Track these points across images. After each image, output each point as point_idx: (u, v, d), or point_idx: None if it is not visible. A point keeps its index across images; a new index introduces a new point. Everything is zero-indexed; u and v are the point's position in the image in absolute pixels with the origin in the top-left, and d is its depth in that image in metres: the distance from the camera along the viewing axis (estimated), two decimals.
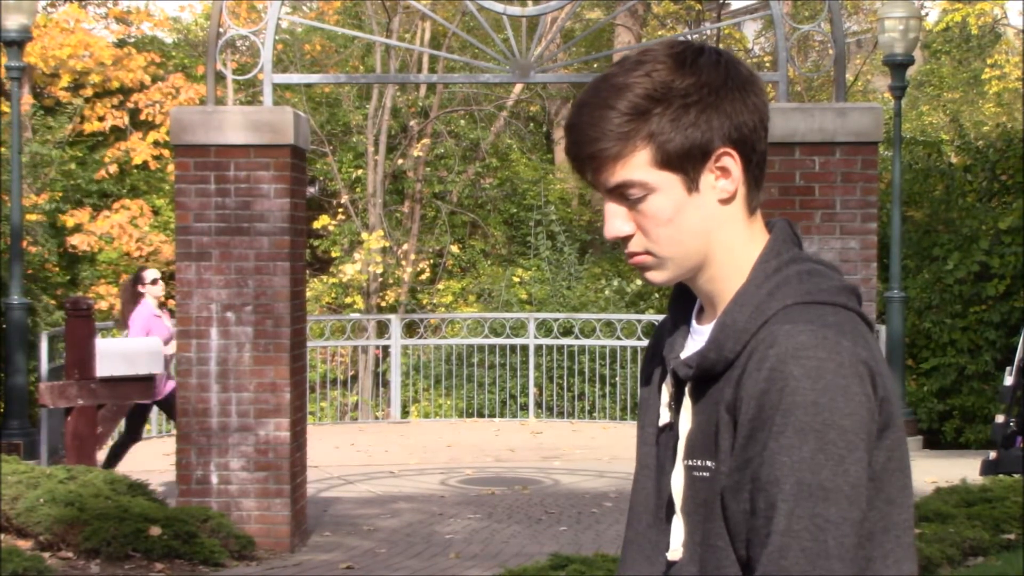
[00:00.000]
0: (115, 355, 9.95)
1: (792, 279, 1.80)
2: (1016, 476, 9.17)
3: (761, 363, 1.72)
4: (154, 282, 10.53)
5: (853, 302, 1.81)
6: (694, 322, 1.91)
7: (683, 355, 1.86)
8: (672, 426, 1.87)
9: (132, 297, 10.66)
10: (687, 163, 1.80)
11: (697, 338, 1.87)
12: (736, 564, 1.76)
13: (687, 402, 1.83)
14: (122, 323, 11.04)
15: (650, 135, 1.79)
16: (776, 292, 1.79)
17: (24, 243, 14.04)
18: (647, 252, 1.84)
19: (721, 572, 1.77)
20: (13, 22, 12.67)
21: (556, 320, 16.18)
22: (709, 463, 1.79)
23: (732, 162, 1.81)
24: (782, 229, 1.88)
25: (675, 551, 1.83)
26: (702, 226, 1.82)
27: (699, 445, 1.81)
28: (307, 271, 12.31)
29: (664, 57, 1.80)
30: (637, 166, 1.80)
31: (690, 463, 1.82)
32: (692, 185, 1.81)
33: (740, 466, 1.73)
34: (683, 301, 1.95)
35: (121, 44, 21.59)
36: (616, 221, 1.83)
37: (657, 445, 1.91)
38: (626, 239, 1.84)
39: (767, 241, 1.86)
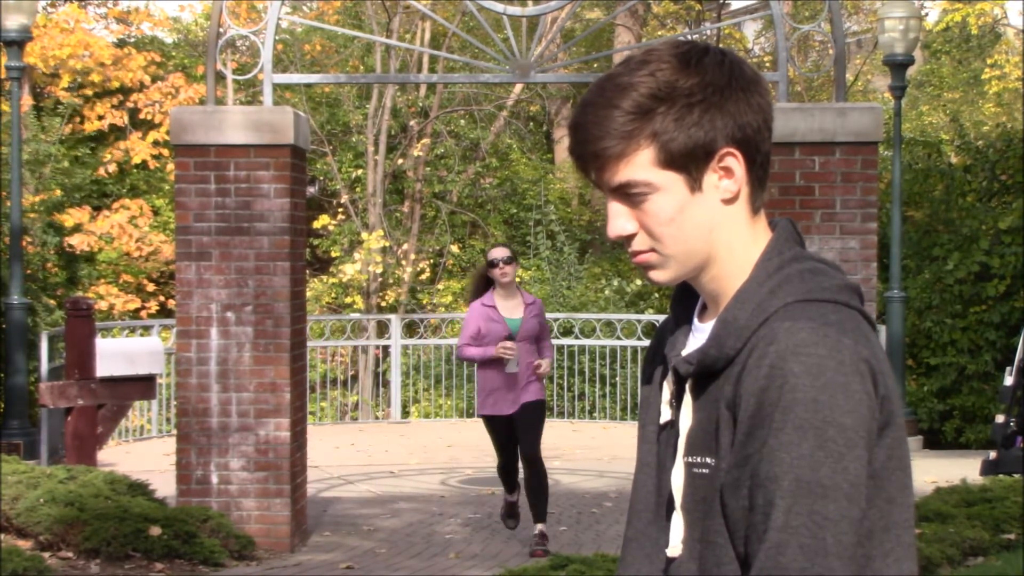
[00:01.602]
0: (115, 355, 9.95)
1: (794, 277, 1.80)
2: (1016, 476, 9.17)
3: (761, 360, 1.73)
4: (492, 264, 8.73)
5: (855, 300, 1.81)
6: (696, 320, 1.92)
7: (684, 352, 1.87)
8: (673, 423, 1.88)
9: (480, 286, 8.98)
10: (690, 163, 1.80)
11: (699, 336, 1.88)
12: (735, 561, 1.76)
13: (688, 399, 1.84)
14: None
15: (654, 134, 1.79)
16: (778, 290, 1.79)
17: (24, 243, 14.04)
18: (651, 251, 1.84)
19: (720, 569, 1.77)
20: (13, 22, 12.67)
21: (556, 320, 16.18)
22: (709, 460, 1.79)
23: (735, 162, 1.82)
24: (784, 228, 1.88)
25: (674, 547, 1.84)
26: (705, 226, 1.83)
27: (699, 442, 1.81)
28: (307, 271, 12.31)
29: (668, 57, 1.81)
30: (640, 165, 1.80)
31: (690, 460, 1.82)
32: (695, 185, 1.81)
33: (739, 463, 1.73)
34: (685, 300, 1.95)
35: (121, 44, 21.59)
36: (619, 220, 1.84)
37: (658, 443, 1.92)
38: (629, 238, 1.84)
39: (769, 240, 1.86)
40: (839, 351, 1.71)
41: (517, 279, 8.76)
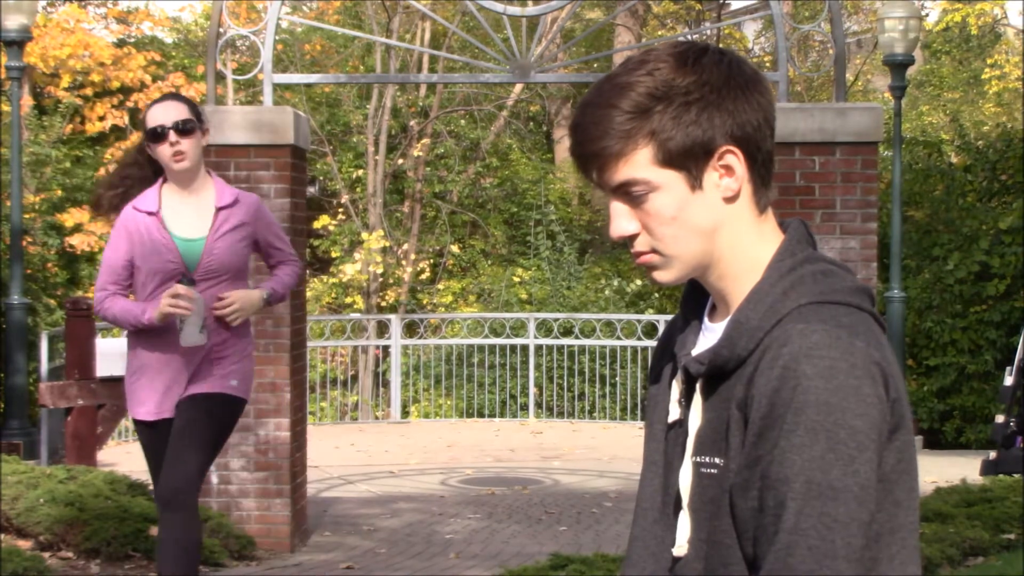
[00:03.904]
0: (115, 355, 9.95)
1: (807, 279, 1.81)
2: (1016, 476, 9.17)
3: (774, 361, 1.73)
4: (156, 135, 5.09)
5: (867, 303, 1.82)
6: (706, 319, 1.92)
7: (695, 352, 1.87)
8: (681, 422, 1.88)
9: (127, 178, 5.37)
10: (689, 161, 1.81)
11: (709, 335, 1.88)
12: (742, 562, 1.76)
13: (698, 399, 1.84)
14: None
15: (652, 133, 1.80)
16: (791, 291, 1.80)
17: (24, 243, 14.04)
18: (653, 251, 1.84)
19: (727, 570, 1.78)
20: (13, 22, 12.67)
21: (556, 320, 16.18)
22: (718, 460, 1.80)
23: (736, 160, 1.82)
24: (796, 229, 1.89)
25: (680, 547, 1.84)
26: (707, 224, 1.83)
27: (708, 442, 1.82)
28: (307, 271, 12.30)
29: (667, 56, 1.82)
30: (640, 164, 1.81)
31: (699, 460, 1.83)
32: (695, 183, 1.82)
33: (750, 464, 1.74)
34: (695, 298, 1.96)
35: (121, 44, 21.60)
36: (621, 220, 1.84)
37: (665, 441, 1.92)
38: (631, 238, 1.85)
39: (782, 241, 1.87)
40: (852, 354, 1.72)
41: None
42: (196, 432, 5.05)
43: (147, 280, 5.15)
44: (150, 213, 5.15)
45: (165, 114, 5.12)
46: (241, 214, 5.26)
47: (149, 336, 5.15)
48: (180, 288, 5.00)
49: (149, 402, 5.17)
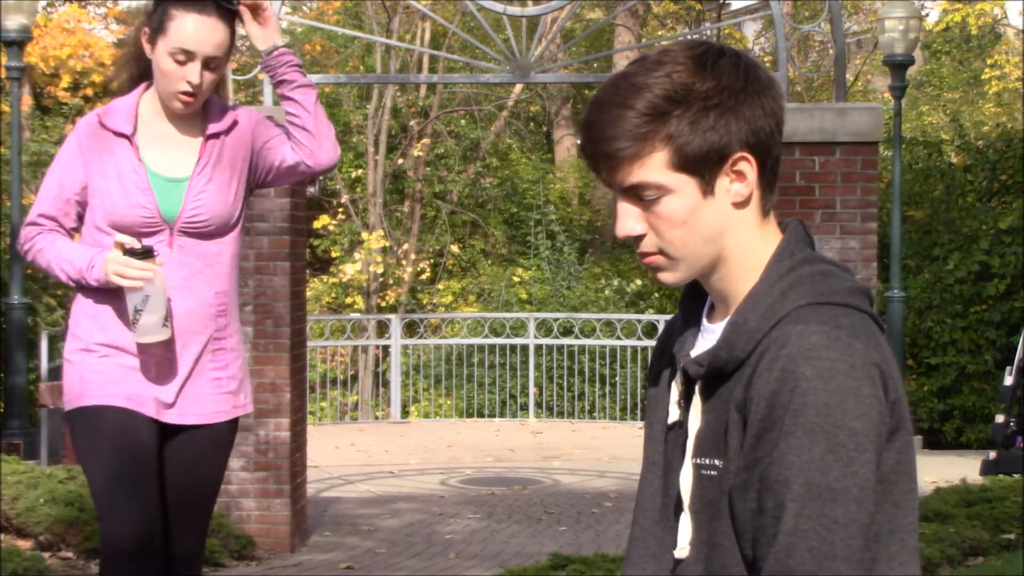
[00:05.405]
0: None
1: (805, 280, 1.81)
2: (1016, 476, 9.18)
3: (773, 363, 1.73)
4: (178, 57, 3.56)
5: (865, 304, 1.81)
6: (705, 320, 1.92)
7: (694, 353, 1.87)
8: (681, 424, 1.88)
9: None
10: (704, 166, 1.80)
11: (708, 336, 1.88)
12: (741, 563, 1.76)
13: (697, 400, 1.84)
14: None
15: (668, 137, 1.79)
16: (789, 292, 1.79)
17: None
18: (660, 252, 1.84)
19: (726, 571, 1.78)
20: (13, 22, 12.68)
21: (556, 320, 16.18)
22: (717, 462, 1.80)
23: (748, 166, 1.82)
24: (795, 230, 1.89)
25: (682, 549, 1.84)
26: (715, 229, 1.83)
27: (708, 443, 1.81)
28: (307, 271, 12.30)
29: (684, 58, 1.80)
30: (654, 167, 1.80)
31: (698, 461, 1.83)
32: (707, 188, 1.81)
33: (749, 465, 1.74)
34: (694, 299, 1.95)
35: (121, 44, 21.61)
36: (628, 220, 1.84)
37: (665, 442, 1.92)
38: (638, 239, 1.84)
39: (780, 241, 1.86)
40: (851, 355, 1.71)
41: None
42: (214, 482, 3.90)
43: (100, 232, 3.66)
44: (121, 135, 3.63)
45: (201, 36, 3.54)
46: (238, 143, 3.74)
47: (105, 294, 3.55)
48: (136, 263, 3.48)
49: (120, 386, 3.61)
